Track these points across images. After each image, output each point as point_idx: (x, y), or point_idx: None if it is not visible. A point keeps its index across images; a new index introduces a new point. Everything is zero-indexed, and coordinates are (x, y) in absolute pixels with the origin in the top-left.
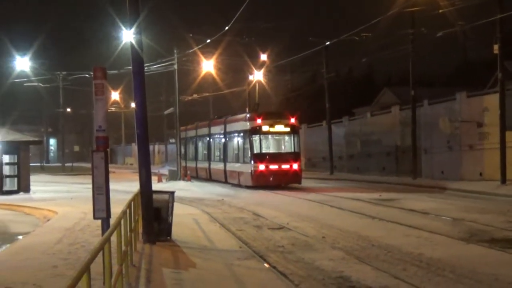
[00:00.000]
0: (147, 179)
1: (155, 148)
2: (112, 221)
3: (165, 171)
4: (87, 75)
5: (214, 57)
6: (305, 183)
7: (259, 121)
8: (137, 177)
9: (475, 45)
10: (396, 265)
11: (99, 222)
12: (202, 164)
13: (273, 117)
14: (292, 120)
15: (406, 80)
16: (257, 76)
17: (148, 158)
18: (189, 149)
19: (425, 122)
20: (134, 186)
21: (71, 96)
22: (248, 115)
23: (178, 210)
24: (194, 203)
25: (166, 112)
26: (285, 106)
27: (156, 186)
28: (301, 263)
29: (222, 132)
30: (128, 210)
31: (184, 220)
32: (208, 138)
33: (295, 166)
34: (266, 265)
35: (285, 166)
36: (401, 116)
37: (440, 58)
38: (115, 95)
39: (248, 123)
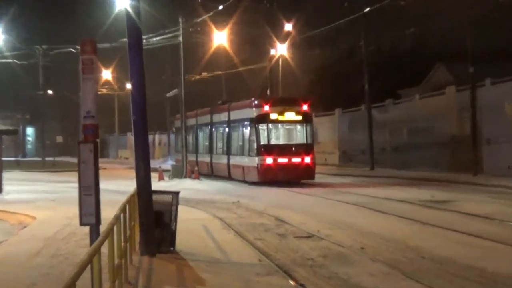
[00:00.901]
0: (146, 177)
1: (156, 138)
2: (103, 228)
3: (168, 166)
4: (72, 50)
5: (228, 27)
6: (338, 180)
7: (266, 108)
8: (133, 174)
9: None
10: (452, 282)
11: (86, 229)
12: (203, 158)
13: (283, 103)
14: (305, 107)
15: (463, 55)
16: (280, 50)
17: (147, 151)
18: (188, 141)
19: (488, 106)
20: (129, 185)
21: (54, 75)
22: (254, 102)
23: (184, 214)
24: (203, 206)
25: (169, 94)
26: (313, 87)
27: (156, 185)
28: (335, 280)
29: (226, 120)
30: (122, 215)
31: (191, 227)
32: (210, 128)
33: (307, 159)
34: (292, 282)
35: (296, 160)
36: (457, 99)
37: (505, 28)
38: (107, 74)
39: (254, 111)
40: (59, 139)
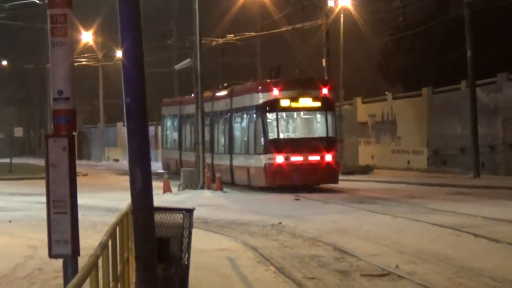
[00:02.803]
0: (145, 187)
1: (159, 130)
2: (83, 262)
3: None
4: (37, 1)
5: None
6: (425, 191)
7: (275, 92)
8: (126, 182)
9: None
10: None
11: (59, 264)
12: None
13: (297, 86)
14: (325, 91)
15: None
16: (343, 0)
17: (146, 149)
18: (183, 135)
19: None
20: (121, 200)
21: (10, 38)
22: (260, 85)
23: (202, 242)
24: (228, 230)
25: (178, 66)
26: (389, 56)
27: (161, 199)
28: None
29: (228, 109)
30: (111, 243)
31: (211, 261)
32: (210, 119)
33: (329, 157)
34: None
35: (314, 158)
36: None
37: None
38: (87, 37)
39: (260, 96)
40: (18, 132)
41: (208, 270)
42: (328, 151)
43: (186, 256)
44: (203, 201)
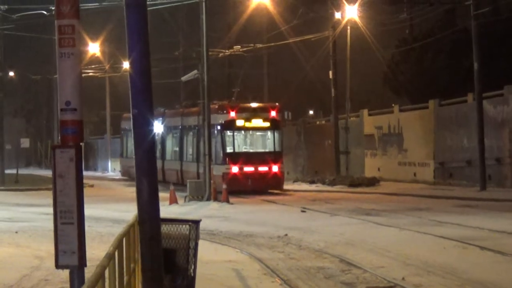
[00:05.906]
0: (151, 199)
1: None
2: (89, 273)
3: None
4: (44, 12)
5: None
6: (431, 203)
7: (232, 114)
8: (132, 194)
9: None
10: None
11: (65, 274)
12: (172, 165)
13: (250, 109)
14: (273, 114)
15: None
16: (349, 12)
17: (152, 160)
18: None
19: None
20: (128, 211)
21: (18, 49)
22: (220, 107)
23: (208, 254)
24: (235, 242)
25: (185, 78)
26: (395, 67)
27: (168, 210)
28: None
29: (196, 124)
30: (117, 254)
31: (217, 272)
32: (180, 132)
33: (275, 168)
34: None
35: (263, 168)
36: None
37: None
38: (94, 48)
39: (220, 116)
40: (25, 142)
41: (214, 281)
42: (275, 163)
43: (193, 267)
44: (209, 213)
